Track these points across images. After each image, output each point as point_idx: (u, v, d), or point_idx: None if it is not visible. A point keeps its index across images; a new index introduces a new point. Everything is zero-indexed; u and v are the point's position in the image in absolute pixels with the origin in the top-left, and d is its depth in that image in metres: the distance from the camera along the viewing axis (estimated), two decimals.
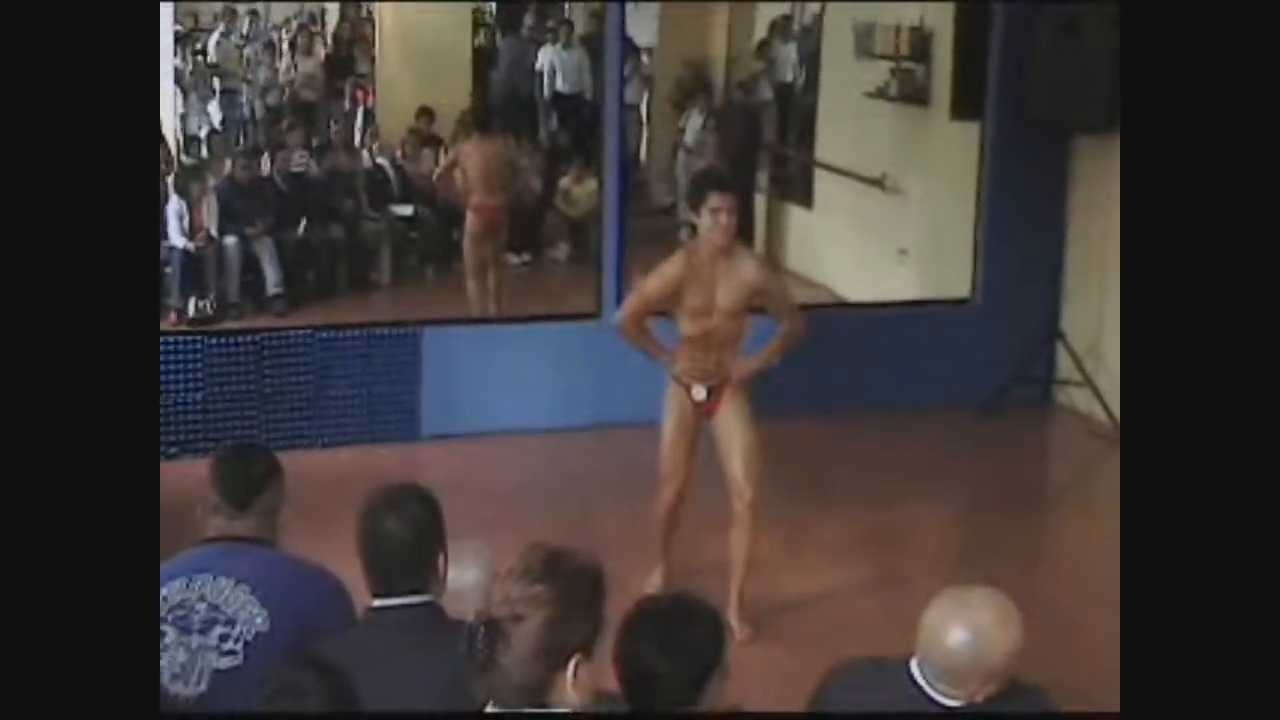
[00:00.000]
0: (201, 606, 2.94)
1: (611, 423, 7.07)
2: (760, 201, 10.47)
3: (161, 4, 7.64)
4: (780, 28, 10.52)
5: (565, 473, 6.88)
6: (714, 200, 4.88)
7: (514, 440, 7.22)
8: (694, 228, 5.02)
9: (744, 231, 9.44)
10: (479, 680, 2.20)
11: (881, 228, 9.19)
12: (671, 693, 2.46)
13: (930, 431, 7.49)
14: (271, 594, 2.97)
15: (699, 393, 5.16)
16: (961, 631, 2.66)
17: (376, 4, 10.23)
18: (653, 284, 5.08)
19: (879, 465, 7.06)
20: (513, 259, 9.88)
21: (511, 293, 8.81)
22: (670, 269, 5.00)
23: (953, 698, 2.73)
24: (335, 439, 7.13)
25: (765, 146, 10.67)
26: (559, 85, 10.99)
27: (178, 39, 9.79)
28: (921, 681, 2.76)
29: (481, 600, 2.28)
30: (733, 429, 5.16)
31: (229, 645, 2.91)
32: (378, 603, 2.88)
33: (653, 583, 5.35)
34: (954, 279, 8.22)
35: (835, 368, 7.82)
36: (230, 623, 2.94)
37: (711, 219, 4.87)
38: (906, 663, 2.79)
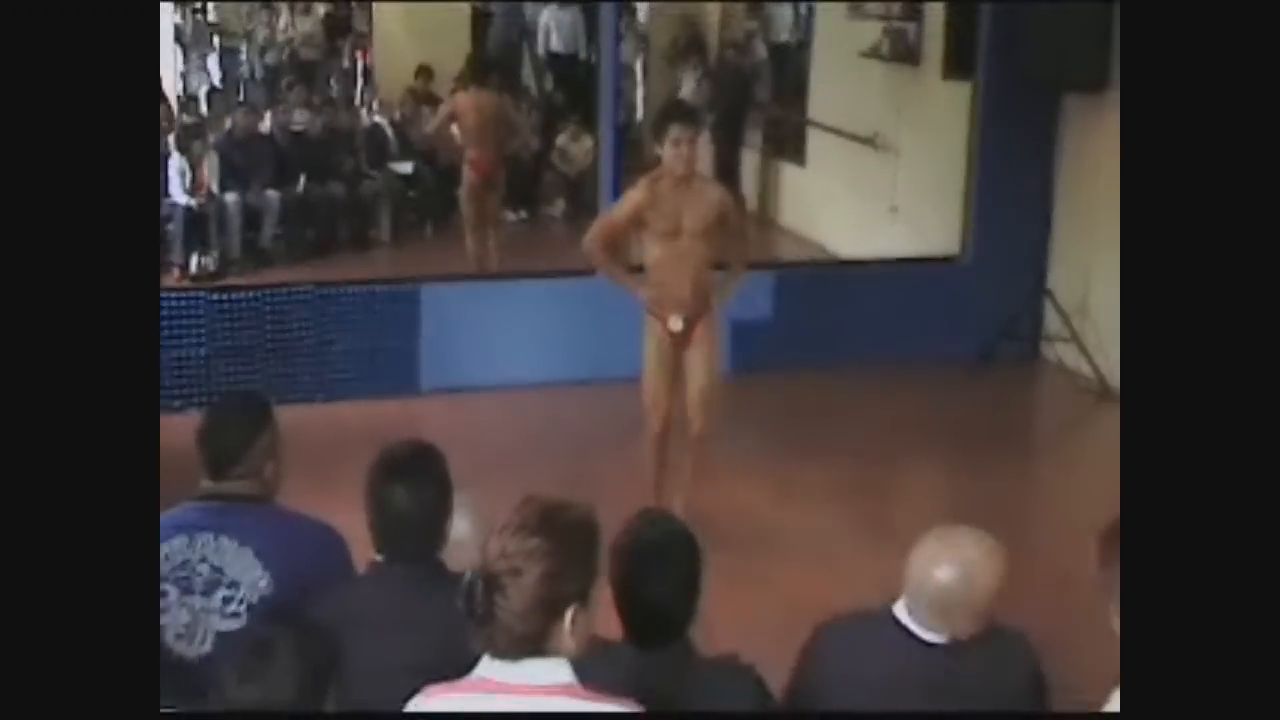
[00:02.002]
0: (204, 568, 2.90)
1: (608, 377, 7.04)
2: (754, 159, 10.43)
3: None
4: None
5: (562, 426, 6.88)
6: (675, 132, 5.10)
7: (512, 394, 7.22)
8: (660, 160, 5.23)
9: (733, 188, 9.53)
10: (477, 633, 2.20)
11: (873, 185, 9.16)
12: (669, 611, 2.58)
13: (920, 385, 7.49)
14: (275, 556, 2.91)
15: (675, 323, 5.28)
16: (950, 567, 2.68)
17: None
18: (617, 210, 5.33)
19: (869, 417, 7.06)
20: (511, 216, 9.85)
21: (509, 249, 8.77)
22: (634, 194, 5.25)
23: (939, 634, 2.74)
24: (336, 393, 7.12)
25: (759, 105, 10.61)
26: (554, 44, 10.91)
27: None
28: (908, 622, 2.76)
29: (476, 553, 2.26)
30: (696, 363, 5.36)
31: (232, 608, 2.88)
32: (379, 558, 2.85)
33: None
34: (944, 236, 8.20)
35: (828, 323, 7.82)
36: (234, 585, 2.89)
37: (673, 150, 5.11)
38: (889, 608, 2.79)
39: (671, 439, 5.43)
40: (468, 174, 8.66)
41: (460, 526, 2.96)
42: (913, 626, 2.76)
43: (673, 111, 5.44)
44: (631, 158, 8.56)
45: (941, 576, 2.70)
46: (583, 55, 10.55)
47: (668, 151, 5.11)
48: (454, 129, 8.87)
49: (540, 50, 10.83)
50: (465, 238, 8.65)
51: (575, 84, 10.34)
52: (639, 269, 5.46)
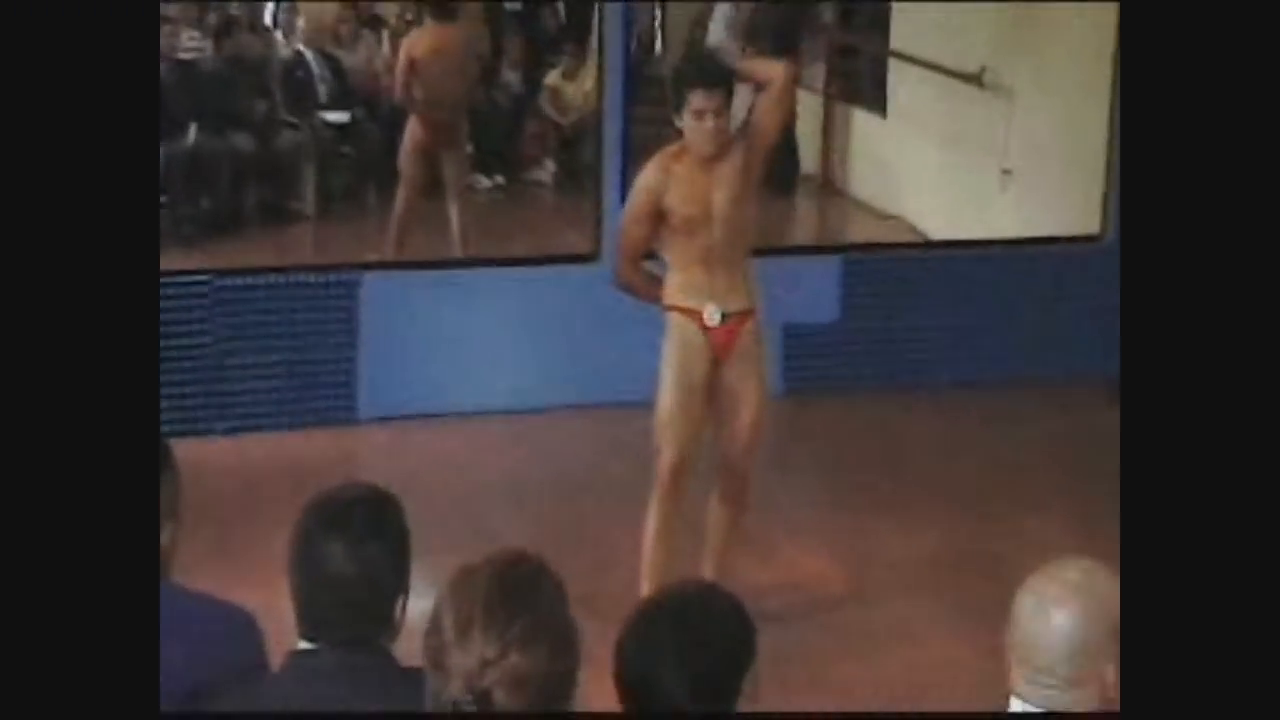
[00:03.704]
0: None
1: (614, 401, 7.06)
2: (813, 105, 10.42)
3: None
4: None
5: (551, 467, 6.91)
6: (698, 100, 5.16)
7: (482, 424, 7.25)
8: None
9: (789, 151, 9.52)
10: None
11: (979, 141, 9.15)
12: (690, 706, 2.57)
13: (1044, 414, 7.49)
14: (163, 651, 2.89)
15: (712, 315, 5.33)
16: (1069, 606, 2.76)
17: None
18: (630, 213, 5.41)
19: (971, 458, 7.08)
20: (482, 181, 9.84)
21: (480, 227, 8.78)
22: (645, 182, 5.34)
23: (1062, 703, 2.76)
24: (242, 423, 7.14)
25: (822, 28, 10.60)
26: None
27: None
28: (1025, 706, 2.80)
29: (433, 641, 2.36)
30: (739, 385, 5.37)
31: None
32: (306, 645, 2.85)
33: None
34: (1077, 209, 8.21)
35: (914, 328, 7.85)
36: None
37: (696, 122, 5.17)
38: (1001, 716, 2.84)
39: (688, 485, 5.42)
40: (414, 128, 8.65)
41: (417, 606, 2.94)
42: (1029, 705, 2.79)
43: (695, 70, 5.51)
44: (648, 103, 8.58)
45: (1060, 620, 2.76)
46: None
47: (689, 124, 5.19)
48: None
49: None
50: (395, 209, 8.61)
51: (572, 1, 10.34)
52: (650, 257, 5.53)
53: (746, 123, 5.46)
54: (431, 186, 8.70)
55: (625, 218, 5.49)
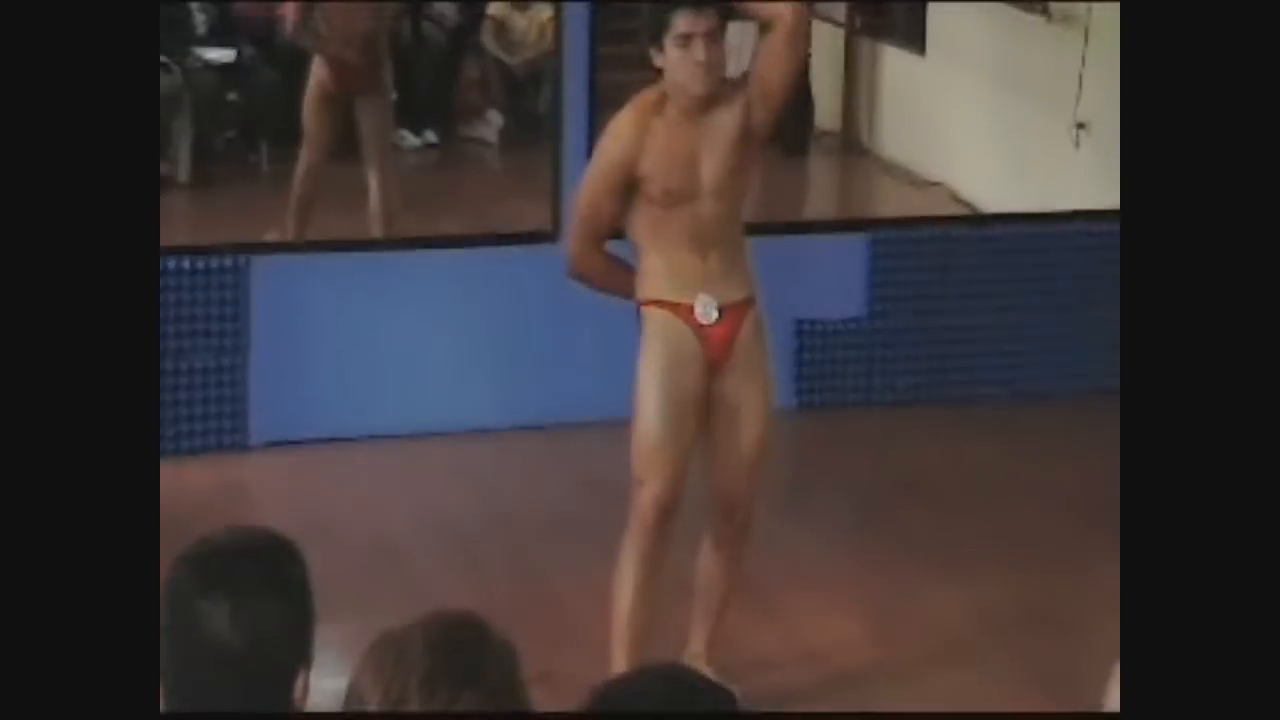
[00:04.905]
0: None
1: (576, 421, 7.06)
2: (833, 40, 10.42)
3: None
4: None
5: (497, 505, 6.91)
6: (684, 21, 5.10)
7: (408, 450, 7.27)
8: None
9: (802, 100, 9.51)
10: None
11: (1044, 86, 9.17)
12: None
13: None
14: None
15: (707, 309, 5.30)
16: None
17: None
18: (594, 180, 5.35)
19: (1031, 493, 7.09)
20: (409, 139, 9.82)
21: (407, 198, 8.77)
22: (614, 141, 5.29)
23: None
24: None
25: None
26: None
27: None
28: None
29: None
30: (737, 400, 5.36)
31: None
32: None
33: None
34: None
35: (961, 328, 7.86)
36: None
37: (680, 51, 5.12)
38: None
39: (675, 526, 5.37)
40: (319, 70, 8.62)
41: (325, 685, 2.93)
42: None
43: None
44: (616, 40, 8.56)
45: None
46: None
47: (671, 56, 5.15)
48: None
49: None
50: (297, 171, 8.57)
51: None
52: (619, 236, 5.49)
53: (746, 75, 5.40)
54: (344, 146, 8.66)
55: (585, 187, 5.44)
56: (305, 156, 8.55)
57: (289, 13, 8.91)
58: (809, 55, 5.54)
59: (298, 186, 8.47)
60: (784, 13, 5.30)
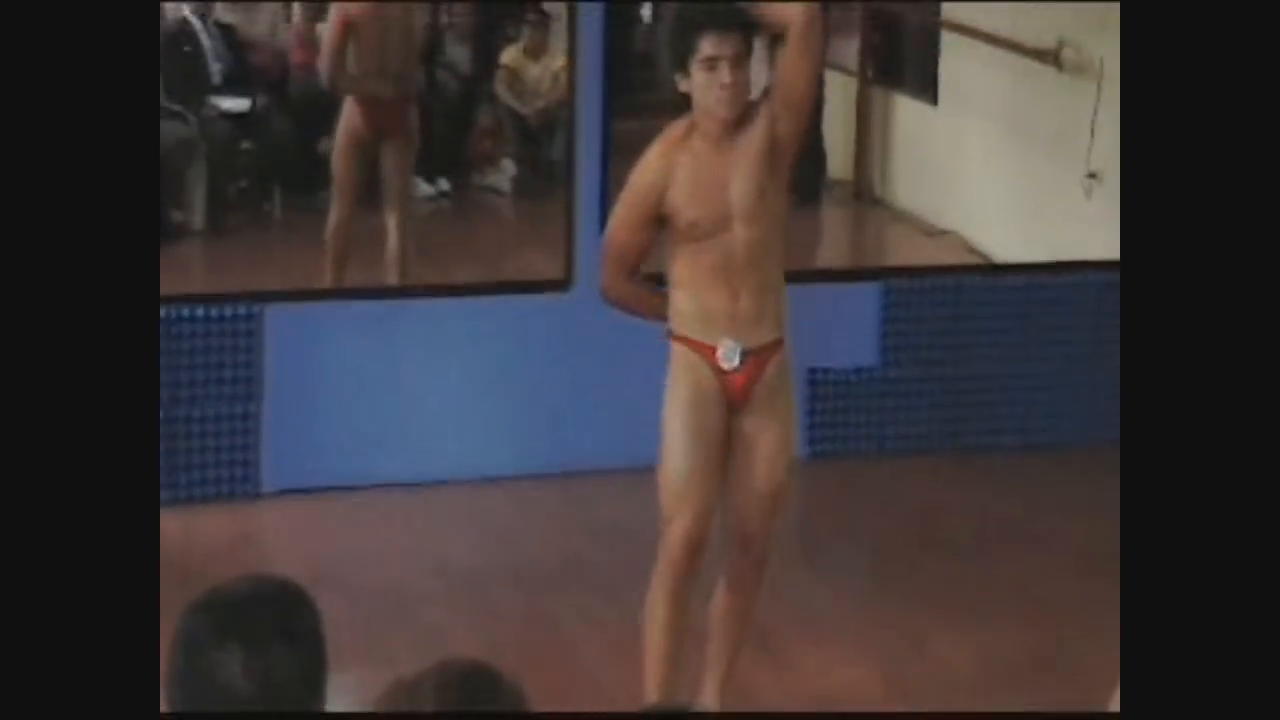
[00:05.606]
0: None
1: (590, 469, 7.05)
2: (845, 90, 10.43)
3: None
4: None
5: (510, 553, 6.90)
6: (709, 45, 5.10)
7: (421, 498, 7.26)
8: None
9: (814, 149, 9.50)
10: None
11: (1056, 135, 9.17)
12: None
13: None
14: None
15: (729, 355, 5.28)
16: None
17: None
18: (624, 214, 5.34)
19: (1048, 543, 7.07)
20: (423, 187, 9.83)
21: (421, 247, 8.77)
22: (641, 177, 5.27)
23: None
24: None
25: None
26: None
27: None
28: None
29: None
30: (766, 429, 5.34)
31: None
32: None
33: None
34: None
35: (974, 378, 7.86)
36: None
37: (707, 75, 5.12)
38: None
39: (701, 564, 5.35)
40: (350, 116, 8.63)
41: None
42: None
43: (703, 10, 5.39)
44: (634, 89, 8.57)
45: None
46: None
47: (698, 80, 5.15)
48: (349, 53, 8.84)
49: None
50: (330, 223, 8.58)
51: None
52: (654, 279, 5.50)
53: (766, 91, 5.39)
54: (358, 191, 8.66)
55: (614, 220, 5.42)
56: (337, 209, 8.54)
57: (322, 54, 8.93)
58: (822, 62, 5.51)
59: (331, 240, 8.47)
60: (795, 15, 5.28)
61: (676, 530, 5.26)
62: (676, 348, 5.31)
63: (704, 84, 5.12)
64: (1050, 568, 6.88)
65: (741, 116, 5.19)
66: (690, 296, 5.28)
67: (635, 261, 5.38)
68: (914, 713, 4.90)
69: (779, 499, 5.40)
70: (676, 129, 5.25)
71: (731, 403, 5.29)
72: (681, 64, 5.16)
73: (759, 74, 5.37)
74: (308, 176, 9.16)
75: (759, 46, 5.45)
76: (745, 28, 5.22)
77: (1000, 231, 9.22)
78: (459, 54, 10.11)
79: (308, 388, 7.30)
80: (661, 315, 5.36)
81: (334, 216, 8.48)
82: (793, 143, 5.37)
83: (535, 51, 9.89)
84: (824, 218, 10.20)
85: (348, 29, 8.63)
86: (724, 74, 5.09)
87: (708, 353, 5.27)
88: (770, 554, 5.47)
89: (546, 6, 9.61)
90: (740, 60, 5.14)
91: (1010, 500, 7.44)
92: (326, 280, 8.25)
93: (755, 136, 5.22)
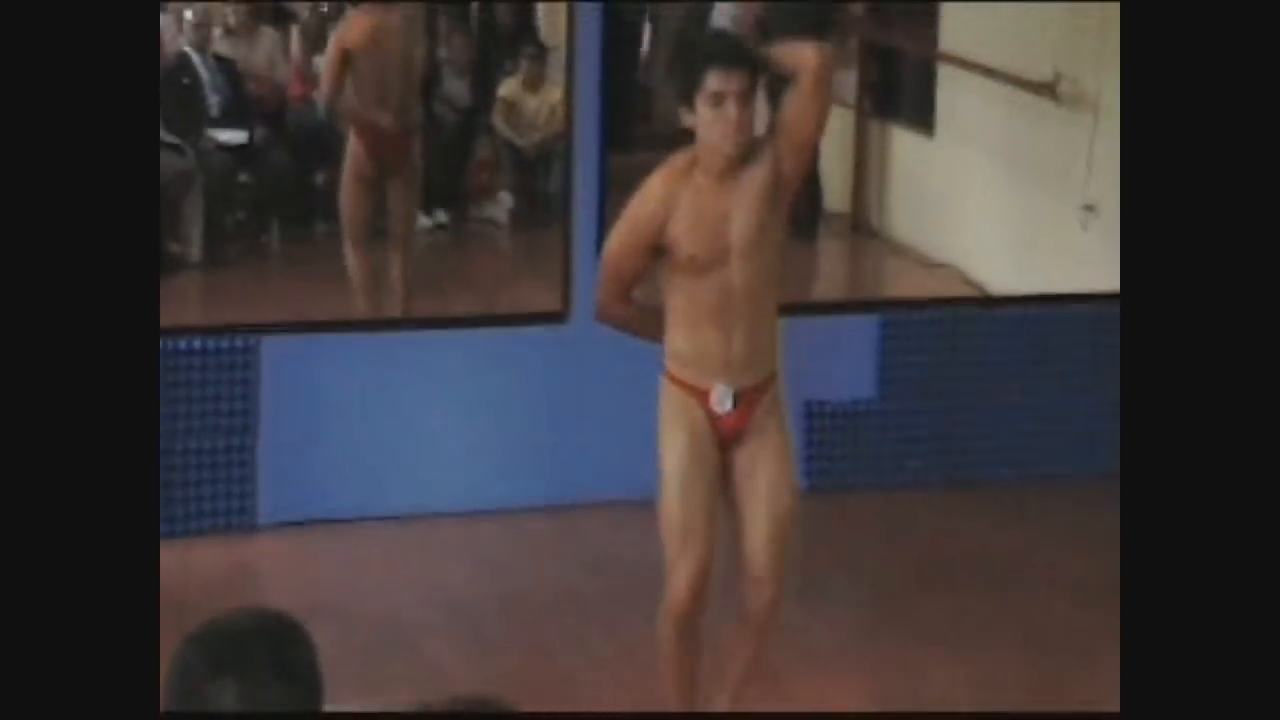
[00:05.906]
0: None
1: (589, 501, 7.04)
2: (843, 122, 10.44)
3: None
4: None
5: (510, 586, 6.89)
6: (716, 80, 5.08)
7: (419, 531, 7.25)
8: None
9: (811, 181, 9.50)
10: None
11: (1053, 168, 9.18)
12: None
13: None
14: None
15: (722, 400, 5.27)
16: None
17: None
18: (622, 239, 5.32)
19: (1049, 579, 7.06)
20: (422, 220, 9.83)
21: (418, 278, 8.76)
22: (642, 206, 5.25)
23: None
24: None
25: (853, 26, 10.63)
26: None
27: None
28: None
29: None
30: (754, 478, 5.32)
31: None
32: None
33: None
34: None
35: (972, 410, 7.86)
36: None
37: (713, 110, 5.09)
38: None
39: (706, 602, 5.34)
40: (355, 153, 8.64)
41: None
42: None
43: (710, 43, 5.41)
44: (631, 123, 8.57)
45: None
46: None
47: (704, 115, 5.13)
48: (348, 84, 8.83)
49: None
50: (349, 266, 8.59)
51: None
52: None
53: (772, 128, 5.38)
54: (369, 226, 8.67)
55: (612, 243, 5.38)
56: (351, 251, 8.54)
57: (322, 81, 8.94)
58: (829, 108, 5.49)
59: (355, 278, 8.48)
60: (810, 59, 5.29)
61: (681, 576, 5.25)
62: (669, 388, 5.30)
63: (709, 119, 5.10)
64: (1050, 599, 6.88)
65: (745, 153, 5.17)
66: (685, 336, 5.27)
67: (631, 284, 5.37)
68: (915, 713, 4.86)
69: (782, 536, 5.35)
70: (679, 161, 5.24)
71: (723, 441, 5.29)
72: (687, 99, 5.14)
73: (760, 110, 5.37)
74: (305, 209, 9.18)
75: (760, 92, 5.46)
76: (752, 64, 5.19)
77: (997, 263, 9.23)
78: (457, 86, 10.11)
79: (304, 420, 7.29)
80: (656, 337, 5.35)
81: (351, 259, 8.49)
82: (795, 181, 5.37)
83: (533, 84, 9.91)
84: (821, 250, 10.20)
85: (345, 56, 8.65)
86: (730, 110, 5.07)
87: (701, 398, 5.26)
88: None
89: (544, 39, 9.63)
90: (746, 97, 5.11)
91: (1009, 532, 7.43)
92: (336, 313, 8.25)
93: (759, 174, 5.20)
